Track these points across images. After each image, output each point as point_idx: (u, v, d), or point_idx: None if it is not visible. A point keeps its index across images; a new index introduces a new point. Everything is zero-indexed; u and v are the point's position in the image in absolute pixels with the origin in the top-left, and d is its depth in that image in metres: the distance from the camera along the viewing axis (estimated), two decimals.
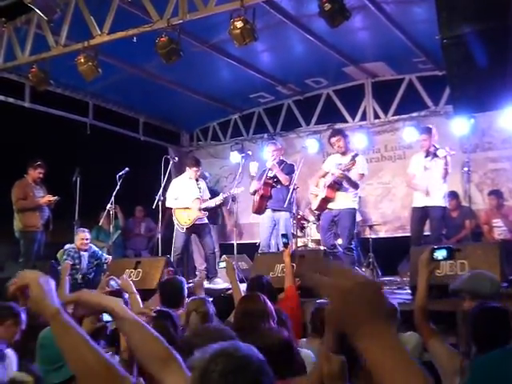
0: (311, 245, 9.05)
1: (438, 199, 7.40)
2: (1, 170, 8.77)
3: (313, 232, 9.18)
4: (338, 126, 10.73)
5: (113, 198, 8.65)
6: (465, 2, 3.68)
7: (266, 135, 11.42)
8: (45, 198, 8.32)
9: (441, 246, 3.26)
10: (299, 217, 8.82)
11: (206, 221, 8.33)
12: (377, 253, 9.27)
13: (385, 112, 10.46)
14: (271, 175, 8.09)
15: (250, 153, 9.00)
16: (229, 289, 6.06)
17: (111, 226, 8.99)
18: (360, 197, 10.04)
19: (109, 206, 8.70)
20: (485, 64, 3.84)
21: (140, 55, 8.38)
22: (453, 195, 8.68)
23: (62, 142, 9.68)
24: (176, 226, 8.27)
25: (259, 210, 8.14)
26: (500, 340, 2.49)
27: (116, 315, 1.90)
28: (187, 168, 8.44)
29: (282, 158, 8.32)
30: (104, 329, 3.43)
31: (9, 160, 9.02)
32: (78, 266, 7.94)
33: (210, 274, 8.19)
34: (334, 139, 7.60)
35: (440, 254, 3.17)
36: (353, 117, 10.77)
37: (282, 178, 7.93)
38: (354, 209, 7.52)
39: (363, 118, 10.67)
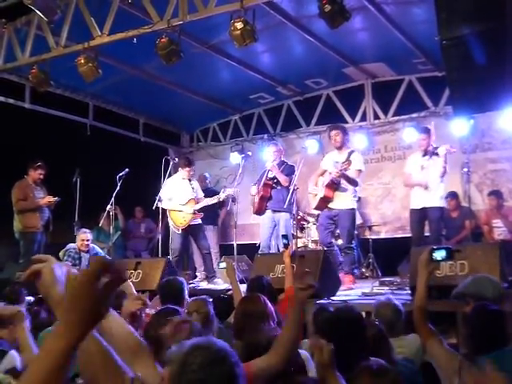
0: (311, 245, 9.06)
1: (436, 200, 7.39)
2: (1, 170, 8.77)
3: (313, 233, 9.19)
4: None
5: (113, 198, 8.65)
6: (464, 3, 3.68)
7: (265, 136, 11.43)
8: (45, 198, 8.32)
9: (440, 247, 3.26)
10: (299, 217, 8.83)
11: (200, 221, 8.33)
12: (377, 253, 9.29)
13: (385, 113, 10.47)
14: (271, 176, 8.11)
15: (249, 153, 9.00)
16: (229, 289, 6.06)
17: (111, 227, 8.99)
18: (360, 197, 10.06)
19: (109, 206, 8.71)
20: (484, 65, 3.84)
21: (140, 56, 8.39)
22: (453, 195, 8.69)
23: (62, 143, 9.68)
24: (171, 228, 8.28)
25: (259, 210, 8.16)
26: (497, 342, 2.49)
27: None
28: (179, 168, 8.45)
29: (282, 159, 8.34)
30: None
31: (9, 161, 9.02)
32: (77, 267, 7.94)
33: (209, 274, 8.21)
34: (333, 132, 7.65)
35: (439, 255, 3.17)
36: (353, 117, 10.78)
37: (282, 178, 7.94)
38: (353, 209, 7.54)
39: (363, 118, 10.68)
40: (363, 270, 9.21)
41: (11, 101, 9.37)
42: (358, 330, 3.09)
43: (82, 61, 7.36)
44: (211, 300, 4.32)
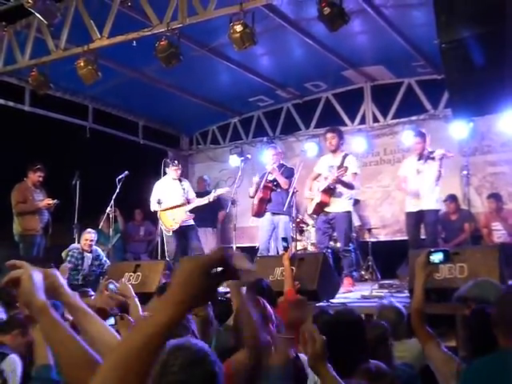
0: (310, 248, 9.06)
1: (432, 203, 7.39)
2: (0, 173, 8.77)
3: (312, 235, 9.18)
4: None
5: (112, 201, 8.66)
6: (464, 5, 3.69)
7: (265, 139, 11.42)
8: (44, 201, 8.33)
9: (437, 249, 3.26)
10: (298, 220, 8.83)
11: (193, 222, 8.32)
12: (376, 256, 9.29)
13: (384, 115, 10.47)
14: (271, 179, 8.11)
15: (249, 156, 9.00)
16: (227, 292, 6.06)
17: (111, 230, 8.99)
18: (359, 200, 10.08)
19: (108, 209, 8.71)
20: (484, 67, 3.85)
21: (140, 59, 8.39)
22: (452, 198, 8.70)
23: (61, 146, 9.69)
24: (163, 230, 8.30)
25: (258, 213, 8.16)
26: (495, 345, 2.49)
27: (70, 305, 1.92)
28: (167, 169, 8.46)
29: (281, 162, 8.35)
30: None
31: (9, 163, 9.02)
32: (79, 267, 7.95)
33: None
34: (329, 135, 7.68)
35: (436, 258, 3.17)
36: (352, 120, 10.78)
37: (282, 181, 7.95)
38: (350, 211, 7.56)
39: (362, 121, 10.68)
40: (362, 272, 9.21)
41: (11, 103, 9.37)
42: (357, 332, 3.09)
43: (82, 64, 7.36)
44: (210, 302, 4.32)
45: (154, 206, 8.39)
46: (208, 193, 8.85)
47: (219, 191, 8.44)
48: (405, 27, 8.09)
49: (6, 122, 9.01)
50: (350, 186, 7.39)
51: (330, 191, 7.34)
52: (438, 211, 7.53)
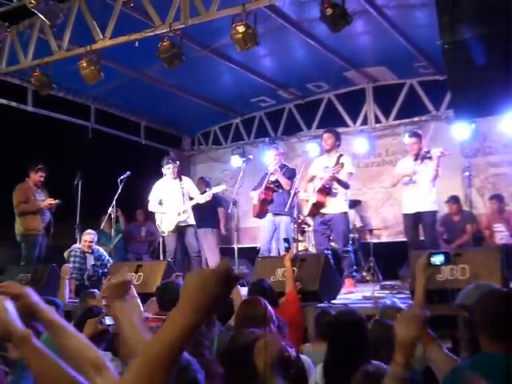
0: (312, 249, 9.05)
1: (429, 204, 7.37)
2: (3, 173, 8.78)
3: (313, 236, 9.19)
4: (339, 130, 10.72)
5: (114, 201, 8.67)
6: (466, 6, 3.69)
7: (267, 139, 11.43)
8: (46, 201, 8.33)
9: (438, 251, 3.26)
10: (300, 221, 8.83)
11: (191, 222, 8.30)
12: (377, 257, 9.29)
13: (386, 116, 10.47)
14: (273, 179, 8.10)
15: (251, 157, 9.00)
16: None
17: (112, 230, 9.00)
18: (360, 201, 10.09)
19: (110, 209, 8.71)
20: (486, 69, 3.85)
21: (142, 59, 8.40)
22: (454, 200, 8.69)
23: (63, 146, 9.70)
24: (160, 230, 8.31)
25: (260, 214, 8.15)
26: None
27: (47, 321, 1.92)
28: (163, 169, 8.42)
29: (283, 163, 8.34)
30: (105, 332, 3.45)
31: (11, 163, 9.04)
32: (83, 267, 7.96)
33: None
34: (326, 135, 7.71)
35: (437, 259, 3.17)
36: (354, 121, 10.79)
37: (284, 182, 7.94)
38: (346, 212, 7.55)
39: (364, 122, 10.68)
40: (364, 273, 9.21)
41: (14, 104, 9.39)
42: (359, 333, 3.10)
43: (84, 64, 7.37)
44: None
45: (152, 207, 8.39)
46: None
47: (215, 189, 8.44)
48: (407, 28, 8.09)
49: (9, 122, 9.02)
50: (345, 185, 7.39)
51: (325, 191, 7.33)
52: (435, 212, 7.50)
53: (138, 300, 4.49)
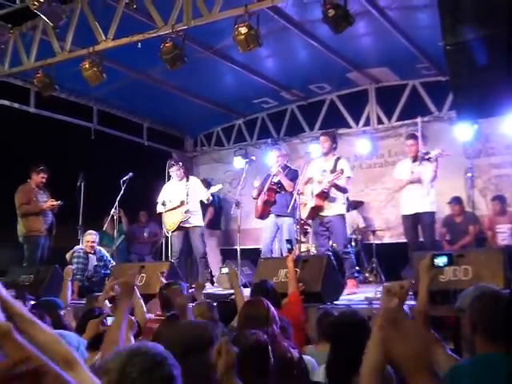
0: (314, 250, 9.05)
1: (427, 205, 7.36)
2: (6, 174, 8.80)
3: None
4: (342, 131, 10.76)
5: (117, 202, 8.68)
6: (469, 7, 3.68)
7: (269, 140, 11.44)
8: (48, 202, 8.34)
9: (441, 253, 3.27)
10: (303, 222, 8.82)
11: (197, 223, 8.31)
12: (380, 258, 9.28)
13: (388, 117, 10.47)
14: (275, 181, 8.10)
15: (253, 158, 8.99)
16: (232, 294, 6.06)
17: (115, 231, 9.01)
18: (363, 202, 10.09)
19: (113, 210, 8.73)
20: (488, 70, 3.84)
21: (144, 61, 8.41)
22: (457, 201, 8.68)
23: (66, 147, 9.72)
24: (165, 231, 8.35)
25: (262, 215, 8.16)
26: None
27: (17, 316, 1.93)
28: (170, 173, 8.47)
29: (285, 164, 8.34)
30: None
31: (13, 165, 9.05)
32: (86, 268, 7.97)
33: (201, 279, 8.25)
34: (322, 138, 7.71)
35: (440, 261, 3.19)
36: (356, 122, 10.79)
37: (286, 183, 7.94)
38: (344, 214, 7.56)
39: (367, 123, 10.68)
40: (367, 274, 9.20)
41: (16, 105, 9.41)
42: (362, 333, 3.10)
43: (87, 65, 7.38)
44: (215, 304, 4.34)
45: (158, 208, 8.43)
46: (211, 195, 8.83)
47: (213, 188, 8.47)
48: (409, 29, 8.09)
49: (12, 123, 9.04)
50: (343, 190, 7.43)
51: (323, 195, 7.34)
52: (434, 213, 7.48)
53: (141, 301, 4.50)
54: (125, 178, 8.57)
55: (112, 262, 8.41)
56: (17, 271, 7.71)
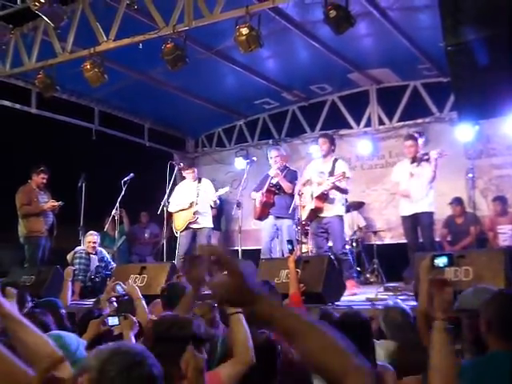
0: (314, 250, 9.05)
1: (426, 205, 7.36)
2: (6, 175, 8.81)
3: None
4: (343, 132, 10.77)
5: (118, 203, 8.68)
6: (470, 8, 3.68)
7: (270, 141, 11.44)
8: (48, 203, 8.34)
9: (441, 253, 3.27)
10: (304, 223, 8.82)
11: (205, 225, 8.32)
12: (381, 259, 9.27)
13: (389, 118, 10.47)
14: (274, 182, 8.06)
15: (254, 159, 9.00)
16: None
17: (116, 232, 9.01)
18: (364, 203, 10.08)
19: (114, 211, 8.73)
20: (490, 70, 3.84)
21: (146, 61, 8.42)
22: (458, 201, 8.68)
23: (67, 148, 9.74)
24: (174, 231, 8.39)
25: (261, 216, 8.13)
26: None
27: (5, 315, 1.93)
28: (183, 173, 8.55)
29: (285, 164, 8.28)
30: (109, 333, 3.45)
31: (15, 165, 9.06)
32: (88, 268, 7.97)
33: None
34: (321, 140, 7.71)
35: (441, 262, 3.18)
36: (357, 123, 10.78)
37: (285, 185, 7.90)
38: (342, 215, 7.57)
39: (368, 124, 10.67)
40: (368, 275, 9.20)
41: (18, 106, 9.42)
42: (364, 334, 3.10)
43: (88, 66, 7.39)
44: (216, 305, 4.33)
45: (170, 208, 8.49)
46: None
47: (220, 191, 8.48)
48: (410, 30, 8.09)
49: (13, 124, 9.05)
50: (344, 191, 7.45)
51: (323, 197, 7.35)
52: (432, 213, 7.46)
53: (143, 301, 4.50)
54: (126, 179, 8.58)
55: (112, 263, 8.41)
56: (18, 272, 7.71)
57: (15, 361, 1.60)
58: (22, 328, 1.95)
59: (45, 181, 8.47)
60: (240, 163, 10.51)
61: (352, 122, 10.84)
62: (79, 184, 8.63)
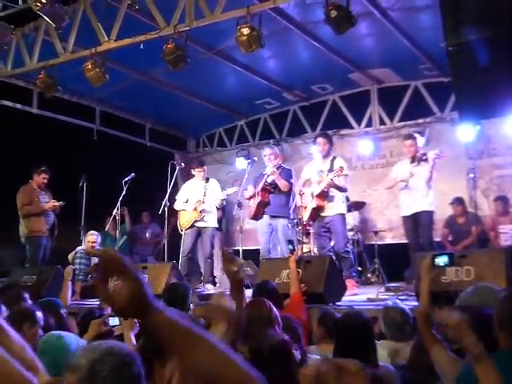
0: (316, 251, 9.05)
1: (426, 205, 7.34)
2: (7, 175, 8.81)
3: None
4: (344, 132, 10.77)
5: (119, 203, 8.69)
6: (471, 8, 3.68)
7: (271, 141, 11.43)
8: (49, 203, 8.35)
9: (442, 252, 3.27)
10: (305, 223, 8.82)
11: (210, 225, 8.33)
12: (383, 259, 9.27)
13: (391, 118, 10.47)
14: (269, 181, 8.00)
15: (255, 159, 8.99)
16: None
17: (117, 232, 9.02)
18: (365, 202, 10.08)
19: (115, 211, 8.74)
20: (490, 70, 3.84)
21: (147, 62, 8.42)
22: (459, 201, 8.67)
23: (69, 148, 9.74)
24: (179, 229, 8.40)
25: (257, 215, 8.07)
26: (491, 346, 2.50)
27: None
28: (192, 171, 8.54)
29: (279, 163, 8.20)
30: (110, 333, 3.46)
31: (16, 165, 9.07)
32: (87, 268, 7.97)
33: (204, 280, 8.26)
34: (322, 140, 7.65)
35: (441, 260, 3.18)
36: (359, 123, 10.78)
37: (281, 183, 7.82)
38: (344, 214, 7.56)
39: (369, 124, 10.68)
40: (369, 275, 9.20)
41: (19, 106, 9.43)
42: (366, 333, 3.11)
43: (89, 66, 7.40)
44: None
45: (177, 205, 8.47)
46: None
47: (230, 190, 8.48)
48: (412, 30, 8.09)
49: (14, 124, 9.06)
50: (343, 189, 7.42)
51: (324, 195, 7.34)
52: (432, 212, 7.45)
53: None
54: (127, 179, 8.59)
55: None
56: (19, 272, 7.71)
57: (14, 363, 1.60)
58: (4, 334, 1.96)
59: (46, 181, 8.47)
60: (241, 163, 10.51)
61: (353, 122, 10.84)
62: (80, 184, 8.63)
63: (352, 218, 9.73)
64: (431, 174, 7.24)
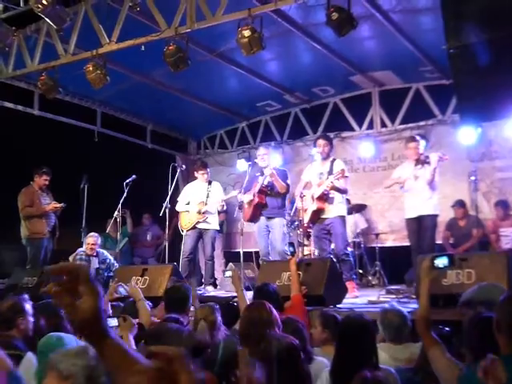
0: (317, 254, 9.03)
1: (430, 208, 7.31)
2: (9, 176, 8.81)
3: None
4: (345, 134, 10.77)
5: (120, 205, 8.69)
6: (472, 11, 3.69)
7: (273, 143, 11.44)
8: (51, 204, 8.36)
9: (442, 254, 3.26)
10: (305, 225, 8.81)
11: (212, 227, 8.33)
12: (384, 261, 9.26)
13: (392, 121, 10.46)
14: (266, 183, 7.97)
15: (256, 161, 8.98)
16: (234, 297, 6.06)
17: (118, 234, 9.02)
18: (366, 205, 10.07)
19: (116, 213, 8.74)
20: (492, 73, 3.84)
21: (148, 63, 8.43)
22: (460, 204, 8.66)
23: (70, 150, 9.72)
24: (180, 230, 8.40)
25: (253, 217, 8.05)
26: (490, 349, 2.49)
27: None
28: (195, 173, 8.55)
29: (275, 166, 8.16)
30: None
31: (17, 167, 9.07)
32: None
33: (205, 281, 8.26)
34: (323, 142, 7.63)
35: (441, 262, 3.17)
36: (360, 125, 10.78)
37: (279, 185, 7.79)
38: (344, 216, 7.54)
39: (370, 126, 10.67)
40: (370, 278, 9.19)
41: (20, 107, 9.44)
42: (368, 336, 3.10)
43: (91, 68, 7.40)
44: (218, 307, 4.33)
45: (178, 207, 8.48)
46: None
47: (233, 193, 8.47)
48: (413, 32, 8.09)
49: (15, 125, 9.05)
50: (343, 191, 7.43)
51: (324, 197, 7.34)
52: (436, 216, 7.42)
53: (146, 303, 4.50)
54: (128, 181, 8.59)
55: (116, 264, 8.42)
56: (20, 273, 7.71)
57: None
58: None
59: (47, 182, 8.48)
60: (242, 165, 10.48)
61: (354, 125, 10.84)
62: (81, 186, 8.63)
63: (359, 222, 9.73)
64: (433, 177, 7.22)
